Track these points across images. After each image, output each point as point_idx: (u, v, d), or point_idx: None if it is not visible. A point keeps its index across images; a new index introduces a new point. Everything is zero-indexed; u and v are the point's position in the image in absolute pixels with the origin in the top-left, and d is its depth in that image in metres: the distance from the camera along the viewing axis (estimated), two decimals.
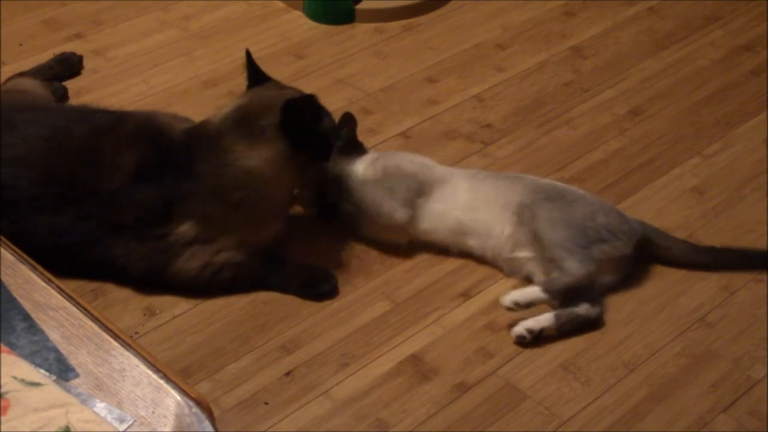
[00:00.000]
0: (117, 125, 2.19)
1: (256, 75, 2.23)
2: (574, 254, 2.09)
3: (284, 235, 2.23)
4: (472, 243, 2.22)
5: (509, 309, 2.06)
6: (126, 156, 2.12)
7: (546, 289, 2.05)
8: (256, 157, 2.11)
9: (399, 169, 2.25)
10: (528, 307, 2.06)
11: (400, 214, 2.20)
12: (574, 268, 2.07)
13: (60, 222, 2.09)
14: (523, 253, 2.17)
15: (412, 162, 2.29)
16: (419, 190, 2.23)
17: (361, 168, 2.27)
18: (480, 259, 2.24)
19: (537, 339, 2.06)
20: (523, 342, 2.06)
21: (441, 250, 2.26)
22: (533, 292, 2.06)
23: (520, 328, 2.06)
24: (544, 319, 2.06)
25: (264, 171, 2.12)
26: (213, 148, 2.13)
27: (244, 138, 2.12)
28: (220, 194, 2.11)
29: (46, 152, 2.13)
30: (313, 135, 2.14)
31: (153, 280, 2.13)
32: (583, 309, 2.08)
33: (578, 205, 2.18)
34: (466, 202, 2.22)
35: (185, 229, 2.10)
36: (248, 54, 2.24)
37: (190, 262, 2.11)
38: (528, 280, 2.18)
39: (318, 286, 2.17)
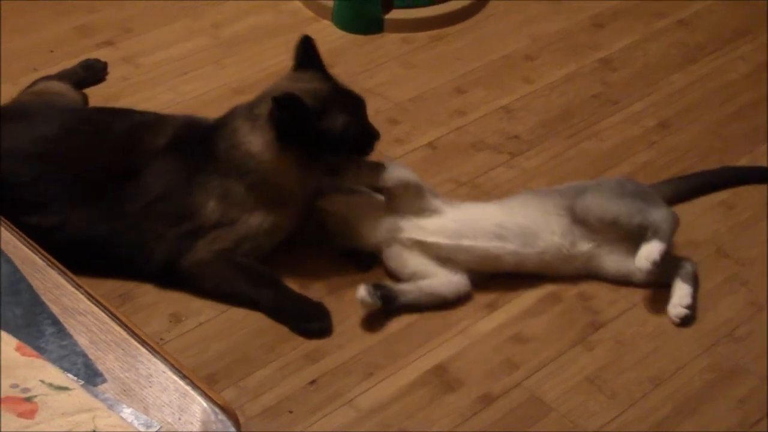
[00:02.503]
0: (154, 122, 2.26)
1: (302, 59, 2.23)
2: (649, 207, 2.18)
3: (304, 223, 2.25)
4: (515, 247, 2.17)
5: (649, 270, 2.09)
6: (158, 140, 2.20)
7: (661, 238, 2.11)
8: (255, 142, 2.14)
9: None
10: (661, 261, 2.10)
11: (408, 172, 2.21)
12: (660, 213, 2.16)
13: (98, 213, 2.14)
14: (585, 247, 2.18)
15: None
16: (431, 191, 2.24)
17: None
18: (527, 270, 2.21)
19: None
20: (687, 321, 2.13)
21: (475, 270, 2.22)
22: (657, 245, 2.10)
23: (679, 310, 2.13)
24: (687, 292, 2.15)
25: (264, 157, 2.13)
26: (229, 127, 2.18)
27: (246, 121, 2.16)
28: (236, 173, 2.14)
29: (88, 147, 2.20)
30: (306, 132, 2.10)
31: (174, 264, 2.14)
32: (689, 266, 2.19)
33: (604, 184, 2.27)
34: (502, 209, 2.22)
35: (210, 210, 2.14)
36: (307, 39, 2.23)
37: (213, 245, 2.13)
38: (592, 275, 2.22)
39: (308, 323, 2.12)
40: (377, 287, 2.10)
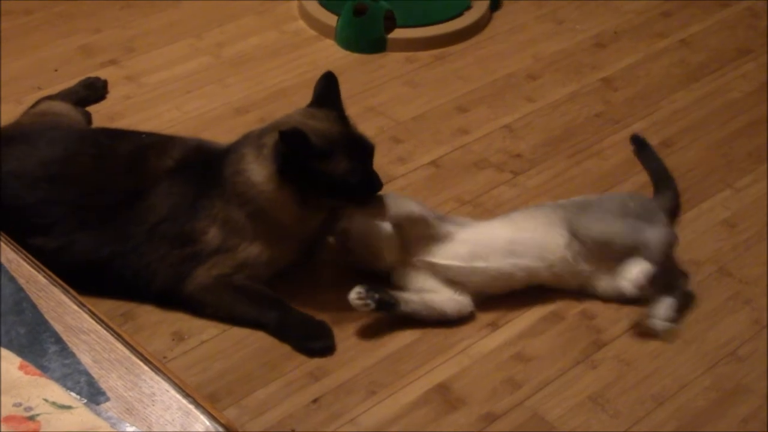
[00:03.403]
0: (162, 143, 2.26)
1: (321, 96, 2.21)
2: (645, 227, 2.16)
3: (307, 258, 2.26)
4: (527, 262, 2.18)
5: (634, 294, 2.10)
6: (166, 161, 2.19)
7: (649, 259, 2.09)
8: (257, 171, 2.12)
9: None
10: (649, 283, 2.09)
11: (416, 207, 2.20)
12: (655, 233, 2.14)
13: (103, 235, 2.14)
14: (585, 267, 2.18)
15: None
16: (439, 216, 2.24)
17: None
18: (537, 283, 2.21)
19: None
20: (670, 335, 2.10)
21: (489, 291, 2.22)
22: (643, 266, 2.09)
23: (661, 323, 2.10)
24: (669, 303, 2.11)
25: (263, 188, 2.12)
26: (237, 153, 2.17)
27: (253, 149, 2.15)
28: (237, 200, 2.14)
29: (93, 169, 2.20)
30: (307, 170, 2.08)
31: (174, 289, 2.15)
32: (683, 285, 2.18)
33: (606, 202, 2.26)
34: (510, 224, 2.22)
35: (211, 236, 2.13)
36: (329, 75, 2.21)
37: (212, 270, 2.13)
38: (593, 294, 2.21)
39: (312, 342, 2.12)
40: (372, 290, 2.09)
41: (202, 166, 2.21)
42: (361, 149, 2.14)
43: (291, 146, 2.07)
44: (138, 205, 2.16)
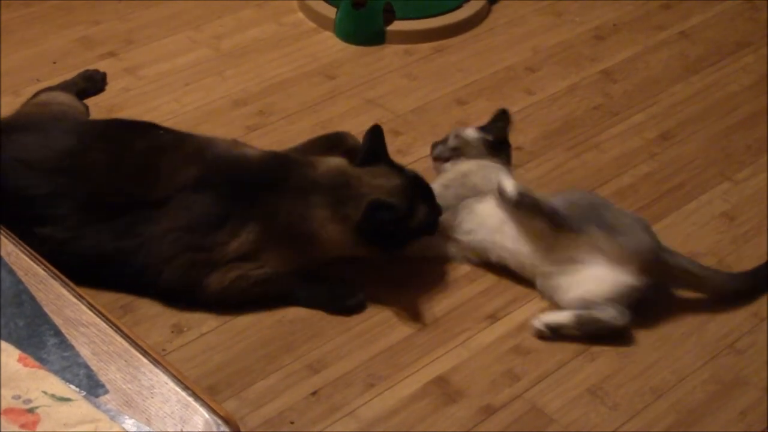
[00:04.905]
0: (179, 144, 2.21)
1: (369, 152, 2.22)
2: (595, 221, 2.13)
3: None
4: (508, 247, 2.20)
5: (538, 330, 2.07)
6: (184, 172, 2.15)
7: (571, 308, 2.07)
8: (331, 232, 2.14)
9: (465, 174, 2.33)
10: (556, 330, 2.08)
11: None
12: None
13: (110, 232, 2.11)
14: (547, 268, 2.16)
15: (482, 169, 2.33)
16: (468, 194, 2.26)
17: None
18: (513, 272, 2.23)
19: (556, 335, 2.10)
20: (542, 337, 2.09)
21: (474, 265, 2.27)
22: (563, 316, 2.07)
23: (539, 323, 2.10)
24: (564, 317, 2.09)
25: (333, 244, 2.15)
26: (301, 194, 2.15)
27: (329, 209, 2.14)
28: (284, 234, 2.14)
29: (107, 165, 2.16)
30: (394, 235, 2.15)
31: (184, 291, 2.14)
32: (606, 314, 2.07)
33: (617, 211, 2.22)
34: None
35: (235, 246, 2.12)
36: (376, 129, 2.24)
37: (227, 273, 2.12)
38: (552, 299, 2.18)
39: (345, 301, 2.18)
40: None
41: (232, 180, 2.16)
42: (424, 190, 2.21)
43: (379, 218, 2.10)
44: (153, 208, 2.12)
